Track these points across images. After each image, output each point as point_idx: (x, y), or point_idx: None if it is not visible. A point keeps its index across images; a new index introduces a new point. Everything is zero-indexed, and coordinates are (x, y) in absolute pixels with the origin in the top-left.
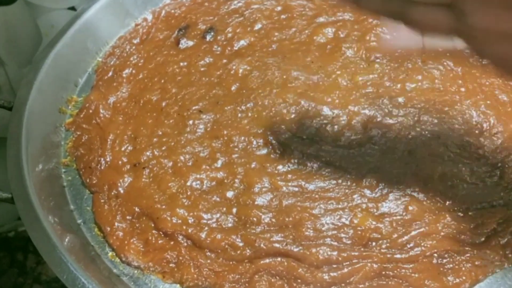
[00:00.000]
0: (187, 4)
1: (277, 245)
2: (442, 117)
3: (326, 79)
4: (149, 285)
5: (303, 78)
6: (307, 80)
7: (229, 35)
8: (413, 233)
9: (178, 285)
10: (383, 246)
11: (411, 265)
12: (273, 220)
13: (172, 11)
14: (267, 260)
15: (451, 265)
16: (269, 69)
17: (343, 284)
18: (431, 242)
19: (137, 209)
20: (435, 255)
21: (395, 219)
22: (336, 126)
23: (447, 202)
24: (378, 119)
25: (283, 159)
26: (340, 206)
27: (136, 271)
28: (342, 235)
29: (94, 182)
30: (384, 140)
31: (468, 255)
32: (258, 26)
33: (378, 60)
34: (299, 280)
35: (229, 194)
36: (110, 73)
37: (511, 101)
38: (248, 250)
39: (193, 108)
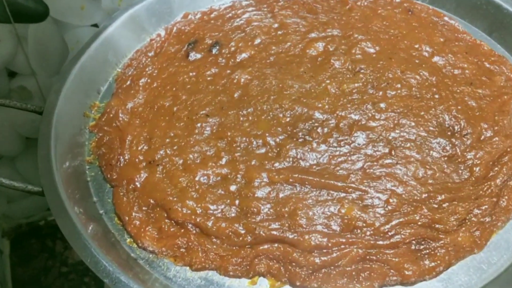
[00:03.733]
0: (195, 21)
1: (274, 232)
2: (419, 120)
3: (317, 87)
4: (163, 267)
5: (297, 86)
6: (301, 88)
7: (232, 48)
8: (393, 222)
9: (187, 268)
10: (367, 234)
11: (392, 251)
12: (271, 210)
13: (183, 27)
14: (265, 246)
15: (427, 251)
16: (267, 78)
17: (332, 267)
18: (410, 231)
19: (151, 201)
20: (413, 242)
21: (378, 210)
22: (326, 129)
23: (423, 195)
24: (363, 122)
25: (279, 157)
26: (329, 198)
27: (151, 255)
28: (331, 223)
29: (114, 177)
30: (367, 140)
31: (442, 242)
32: (257, 41)
33: (362, 71)
34: (293, 263)
35: (232, 187)
36: (128, 82)
37: (479, 106)
38: (249, 237)
39: (201, 112)
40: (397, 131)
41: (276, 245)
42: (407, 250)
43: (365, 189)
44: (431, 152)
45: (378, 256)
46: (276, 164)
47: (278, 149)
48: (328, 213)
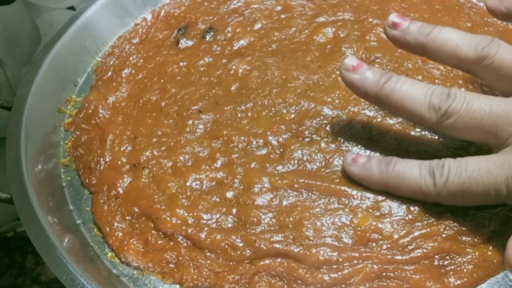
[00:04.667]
0: (186, 3)
1: (277, 245)
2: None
3: (326, 79)
4: (149, 285)
5: (303, 78)
6: (307, 80)
7: (229, 34)
8: (414, 234)
9: (177, 286)
10: (384, 247)
11: (412, 267)
12: (273, 220)
13: (172, 10)
14: (267, 261)
15: (452, 267)
16: (268, 69)
17: (343, 285)
18: (433, 244)
19: (136, 210)
20: (437, 256)
21: (396, 220)
22: (336, 127)
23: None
24: (378, 120)
25: (282, 159)
26: (340, 206)
27: (135, 272)
28: (343, 235)
29: (93, 182)
30: (384, 140)
31: (470, 256)
32: (257, 25)
33: (378, 60)
34: (299, 281)
35: (229, 194)
36: (110, 73)
37: None
38: (248, 251)
39: (193, 108)
40: (417, 129)
41: (279, 260)
42: (429, 266)
43: (382, 196)
44: (458, 152)
45: (396, 273)
46: (279, 167)
47: (281, 150)
48: (339, 224)
